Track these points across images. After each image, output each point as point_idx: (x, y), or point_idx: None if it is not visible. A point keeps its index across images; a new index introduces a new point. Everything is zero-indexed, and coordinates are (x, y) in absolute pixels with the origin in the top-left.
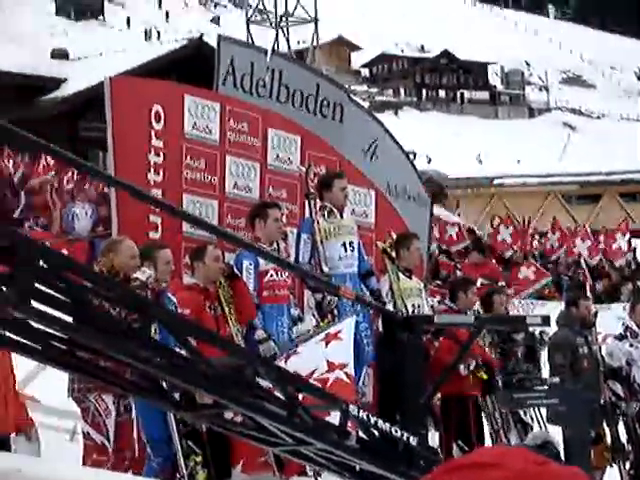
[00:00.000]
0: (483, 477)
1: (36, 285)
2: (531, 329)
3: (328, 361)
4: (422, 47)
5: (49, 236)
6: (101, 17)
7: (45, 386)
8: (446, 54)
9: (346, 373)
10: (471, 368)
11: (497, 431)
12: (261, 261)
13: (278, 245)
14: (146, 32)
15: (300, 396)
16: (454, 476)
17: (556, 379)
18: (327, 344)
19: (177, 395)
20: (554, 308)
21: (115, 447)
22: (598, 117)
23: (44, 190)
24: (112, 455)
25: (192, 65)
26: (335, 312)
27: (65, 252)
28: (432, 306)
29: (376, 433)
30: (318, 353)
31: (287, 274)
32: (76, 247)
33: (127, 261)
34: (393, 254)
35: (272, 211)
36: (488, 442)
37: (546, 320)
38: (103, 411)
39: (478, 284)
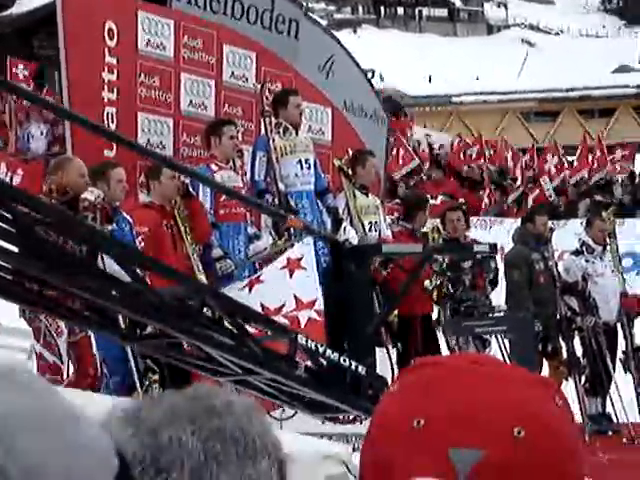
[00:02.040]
0: (421, 374)
1: None
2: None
3: (296, 297)
4: None
5: (4, 156)
6: None
7: (1, 305)
8: None
9: (316, 311)
10: (437, 283)
11: (452, 348)
12: (217, 179)
13: (234, 162)
14: None
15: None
16: (405, 374)
17: (503, 306)
18: (291, 274)
19: (122, 324)
20: (512, 225)
21: (76, 366)
22: (557, 33)
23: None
24: (72, 375)
25: None
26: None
27: (20, 172)
28: (389, 225)
29: (324, 363)
30: (284, 285)
31: (244, 192)
32: (31, 167)
33: (76, 179)
34: (349, 171)
35: (227, 128)
36: None
37: (493, 248)
38: (55, 331)
39: (438, 201)
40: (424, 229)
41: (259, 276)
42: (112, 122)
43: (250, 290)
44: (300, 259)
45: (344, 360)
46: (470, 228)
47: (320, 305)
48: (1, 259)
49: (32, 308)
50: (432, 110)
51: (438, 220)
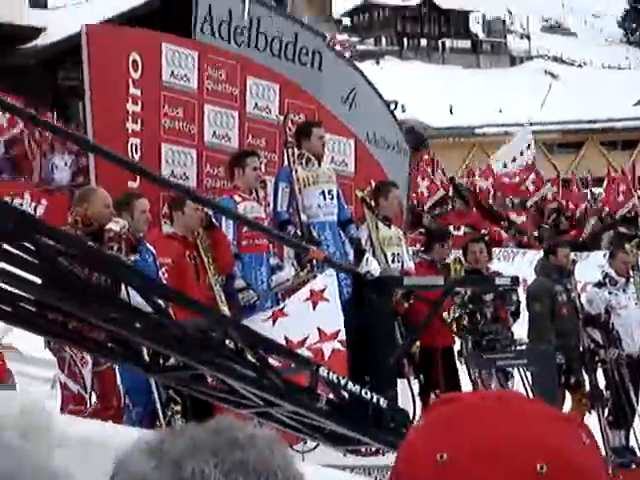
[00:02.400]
0: (446, 410)
1: (5, 246)
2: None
3: (319, 329)
4: None
5: (28, 186)
6: None
7: (25, 336)
8: (428, 2)
9: (340, 341)
10: (455, 315)
11: (476, 380)
12: (240, 210)
13: (257, 193)
14: None
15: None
16: (430, 410)
17: (525, 339)
18: (314, 306)
19: (146, 355)
20: (534, 257)
21: (99, 397)
22: (580, 65)
23: (23, 139)
24: (94, 405)
25: (170, 13)
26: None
27: (45, 202)
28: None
29: (346, 395)
30: (307, 317)
31: (266, 223)
32: (56, 197)
33: (101, 210)
34: (372, 203)
35: (251, 159)
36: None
37: (515, 280)
38: (79, 360)
39: (461, 232)
40: (447, 260)
41: (283, 308)
42: (136, 153)
43: (274, 323)
44: (323, 290)
45: (366, 393)
46: (492, 260)
47: (343, 336)
48: (26, 291)
49: (56, 339)
50: (455, 141)
51: (460, 251)
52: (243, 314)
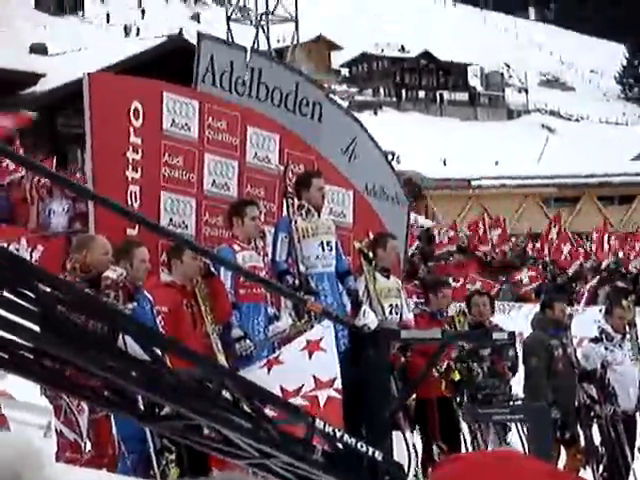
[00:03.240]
0: (449, 469)
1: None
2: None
3: (315, 377)
4: (402, 47)
5: (25, 232)
6: (80, 12)
7: (19, 382)
8: (426, 55)
9: (336, 389)
10: (441, 370)
11: (474, 431)
12: (238, 259)
13: (256, 243)
14: (126, 28)
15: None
16: (435, 470)
17: (520, 395)
18: (310, 355)
19: (141, 404)
20: (531, 310)
21: (94, 445)
22: (577, 120)
23: (22, 185)
24: (89, 453)
25: (172, 61)
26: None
27: (40, 247)
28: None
29: (342, 447)
30: (303, 366)
31: (264, 272)
32: (52, 243)
33: (99, 258)
34: (370, 254)
35: (250, 209)
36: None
37: (512, 335)
38: (76, 408)
39: (459, 284)
40: (450, 312)
41: (278, 356)
42: (135, 201)
43: (269, 371)
44: (320, 340)
45: (361, 445)
46: (494, 313)
47: (339, 384)
48: (23, 337)
49: (52, 387)
50: (451, 193)
51: (464, 304)
52: (240, 364)
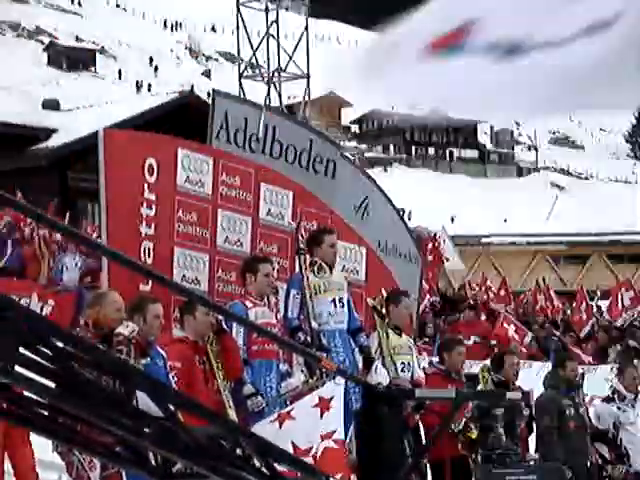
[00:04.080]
0: None
1: (20, 350)
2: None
3: (321, 435)
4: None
5: (36, 287)
6: (93, 68)
7: (31, 438)
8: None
9: (334, 440)
10: (459, 427)
11: None
12: (251, 316)
13: (269, 299)
14: (137, 84)
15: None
16: None
17: (535, 455)
18: (322, 414)
19: (153, 461)
20: (540, 368)
21: None
22: (587, 178)
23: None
24: None
25: (183, 117)
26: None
27: (51, 302)
28: (424, 368)
29: None
30: (314, 425)
31: (277, 329)
32: (63, 298)
33: (112, 314)
34: (383, 311)
35: (263, 266)
36: None
37: (526, 396)
38: (87, 465)
39: (471, 342)
40: (474, 371)
41: (290, 411)
42: (149, 256)
43: (280, 425)
44: (330, 400)
45: None
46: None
47: (340, 435)
48: (37, 394)
49: (65, 443)
50: (461, 250)
51: (488, 361)
52: (251, 420)
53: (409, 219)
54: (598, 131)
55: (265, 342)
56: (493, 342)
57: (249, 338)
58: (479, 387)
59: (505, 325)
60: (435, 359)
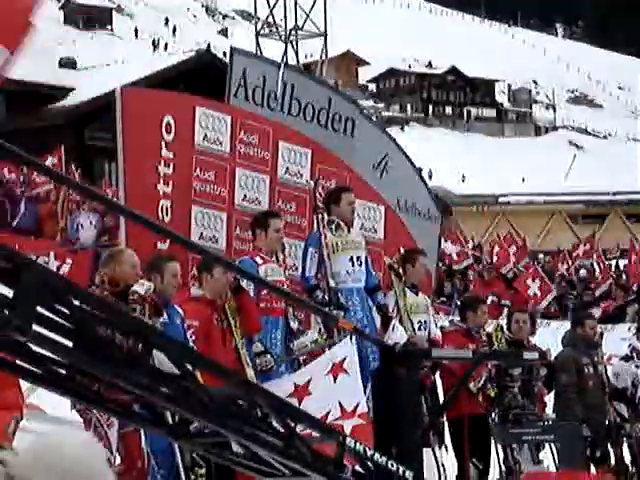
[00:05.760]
0: None
1: (38, 309)
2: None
3: (340, 404)
4: (430, 63)
5: (53, 246)
6: (109, 27)
7: (49, 396)
8: (453, 71)
9: (360, 415)
10: (479, 385)
11: (506, 449)
12: (261, 272)
13: (277, 256)
14: (154, 42)
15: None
16: None
17: (552, 415)
18: (335, 379)
19: (170, 420)
20: (558, 327)
21: (123, 458)
22: (605, 137)
23: (50, 198)
24: (119, 466)
25: (199, 76)
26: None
27: (69, 262)
28: (442, 327)
29: (372, 467)
30: (328, 391)
31: (285, 285)
32: (80, 257)
33: (128, 270)
34: (400, 270)
35: (273, 221)
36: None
37: (543, 355)
38: (105, 422)
39: (488, 301)
40: (488, 329)
41: (307, 385)
42: (167, 215)
43: (300, 402)
44: (343, 361)
45: (392, 464)
46: (535, 333)
47: (364, 408)
48: (55, 353)
49: (82, 402)
50: (478, 210)
51: (504, 320)
52: (259, 378)
53: (430, 178)
54: (616, 90)
55: (274, 300)
56: (505, 301)
57: (257, 295)
58: (494, 346)
59: (529, 281)
60: (456, 318)
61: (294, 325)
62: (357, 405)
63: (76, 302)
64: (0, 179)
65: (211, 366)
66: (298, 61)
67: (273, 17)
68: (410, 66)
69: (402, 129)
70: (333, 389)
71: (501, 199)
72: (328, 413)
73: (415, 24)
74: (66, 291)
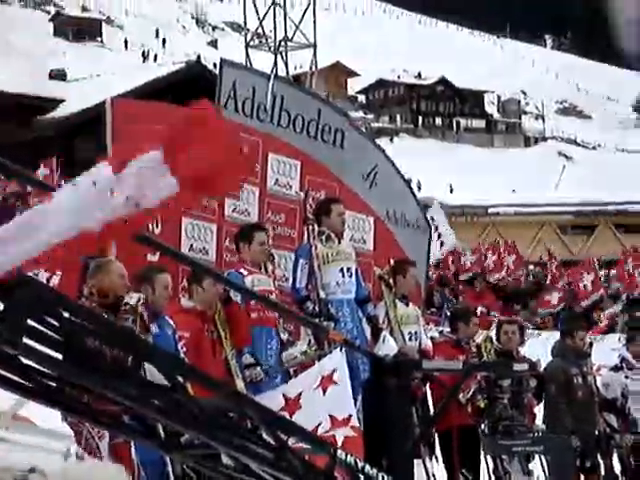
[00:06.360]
0: None
1: (28, 321)
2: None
3: (331, 416)
4: (419, 74)
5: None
6: (99, 39)
7: (39, 408)
8: (443, 81)
9: (352, 427)
10: (468, 396)
11: (495, 459)
12: (247, 283)
13: (266, 267)
14: (144, 54)
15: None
16: None
17: (542, 426)
18: (324, 391)
19: (161, 432)
20: (548, 338)
21: None
22: (594, 147)
23: None
24: None
25: (189, 87)
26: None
27: (59, 273)
28: (432, 338)
29: (363, 478)
30: (318, 404)
31: (274, 295)
32: (69, 268)
33: (117, 280)
34: (390, 281)
35: (258, 234)
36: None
37: (533, 366)
38: (96, 434)
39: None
40: (477, 340)
41: (298, 399)
42: (157, 226)
43: (290, 417)
44: (332, 373)
45: (382, 476)
46: (524, 343)
47: (355, 421)
48: (45, 366)
49: (73, 415)
50: (467, 221)
51: (492, 332)
52: (250, 390)
53: (419, 189)
54: (605, 100)
55: (264, 309)
56: (493, 313)
57: (247, 306)
58: (483, 358)
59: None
60: (446, 329)
61: (284, 336)
62: (349, 417)
63: (66, 314)
64: None
65: (202, 378)
66: (288, 72)
67: (263, 28)
68: (399, 77)
69: (391, 140)
70: (323, 402)
71: (491, 210)
72: (318, 425)
73: (404, 35)
74: (56, 303)
